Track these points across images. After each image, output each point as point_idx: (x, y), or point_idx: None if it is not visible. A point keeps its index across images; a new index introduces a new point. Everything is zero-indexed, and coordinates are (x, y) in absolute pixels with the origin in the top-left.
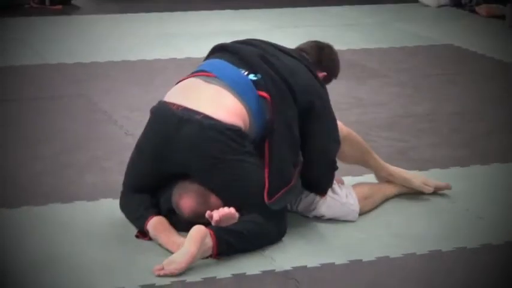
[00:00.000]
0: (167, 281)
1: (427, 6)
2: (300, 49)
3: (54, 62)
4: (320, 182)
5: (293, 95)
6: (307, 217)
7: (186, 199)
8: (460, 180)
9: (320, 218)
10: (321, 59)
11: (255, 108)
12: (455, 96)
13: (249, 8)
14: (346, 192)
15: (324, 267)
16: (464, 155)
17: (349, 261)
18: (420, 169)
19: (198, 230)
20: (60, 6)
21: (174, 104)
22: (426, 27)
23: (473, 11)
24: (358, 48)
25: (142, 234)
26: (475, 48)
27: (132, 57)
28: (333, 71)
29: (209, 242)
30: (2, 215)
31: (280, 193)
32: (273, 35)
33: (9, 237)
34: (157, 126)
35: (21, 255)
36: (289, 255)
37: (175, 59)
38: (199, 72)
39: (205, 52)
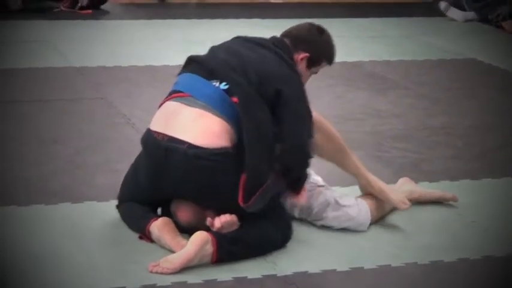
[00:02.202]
0: (168, 281)
1: (453, 20)
2: (282, 34)
3: (78, 65)
4: (291, 171)
5: (260, 93)
6: (314, 225)
7: (182, 211)
8: (469, 193)
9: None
10: (305, 39)
11: (234, 116)
12: (473, 109)
13: (276, 17)
14: (357, 204)
15: (325, 273)
16: (475, 168)
17: (351, 268)
18: (430, 181)
19: (200, 235)
20: (89, 11)
21: (159, 134)
22: (451, 41)
23: (499, 27)
24: (381, 60)
25: (146, 236)
26: (497, 63)
27: (156, 63)
28: (316, 52)
29: (209, 248)
30: (12, 213)
31: (256, 195)
32: None
33: (17, 235)
34: (148, 157)
35: (28, 252)
36: (291, 260)
37: None
38: (176, 94)
39: None
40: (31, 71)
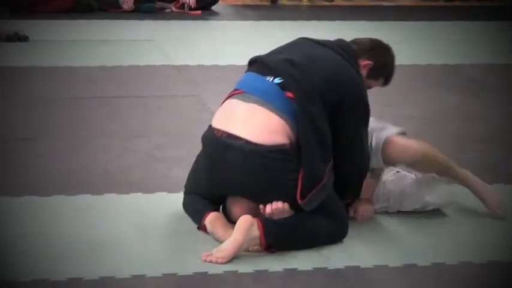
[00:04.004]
0: (220, 270)
1: None
2: (351, 40)
3: (177, 64)
4: (347, 183)
5: (319, 90)
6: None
7: (237, 207)
8: None
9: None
10: (371, 47)
11: (290, 112)
12: None
13: (384, 20)
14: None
15: (377, 268)
16: None
17: (403, 264)
18: (505, 182)
19: (245, 219)
20: (199, 12)
21: (218, 130)
22: None
23: None
24: (482, 63)
25: (203, 227)
26: None
27: None
28: (379, 64)
29: (255, 231)
30: (85, 201)
31: (312, 192)
32: (402, 48)
33: (85, 222)
34: (206, 153)
35: (92, 238)
36: (344, 254)
37: None
38: (233, 92)
39: None
40: (132, 69)
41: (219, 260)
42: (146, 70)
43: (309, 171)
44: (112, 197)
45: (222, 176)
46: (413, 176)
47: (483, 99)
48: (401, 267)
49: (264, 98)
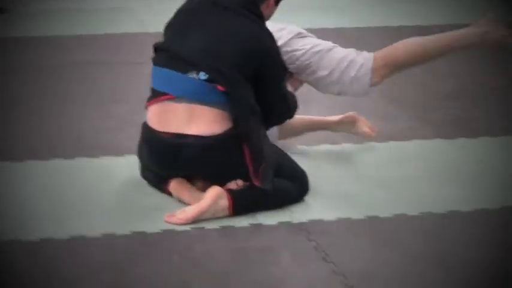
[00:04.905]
0: (187, 227)
1: None
2: None
3: (153, 31)
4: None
5: (241, 71)
6: (330, 174)
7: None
8: (507, 150)
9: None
10: None
11: (224, 101)
12: None
13: None
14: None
15: (340, 221)
16: None
17: (366, 216)
18: (467, 136)
19: (214, 190)
20: None
21: (164, 133)
22: None
23: None
24: (454, 23)
25: (168, 193)
26: None
27: None
28: None
29: (224, 203)
30: (57, 164)
31: (261, 170)
32: (375, 10)
33: (57, 183)
34: (155, 153)
35: (63, 198)
36: (308, 208)
37: None
38: (161, 96)
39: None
40: (108, 37)
41: (178, 221)
42: (122, 38)
43: (255, 150)
44: (83, 160)
45: (174, 170)
46: None
47: (451, 57)
48: (363, 219)
49: (198, 99)
